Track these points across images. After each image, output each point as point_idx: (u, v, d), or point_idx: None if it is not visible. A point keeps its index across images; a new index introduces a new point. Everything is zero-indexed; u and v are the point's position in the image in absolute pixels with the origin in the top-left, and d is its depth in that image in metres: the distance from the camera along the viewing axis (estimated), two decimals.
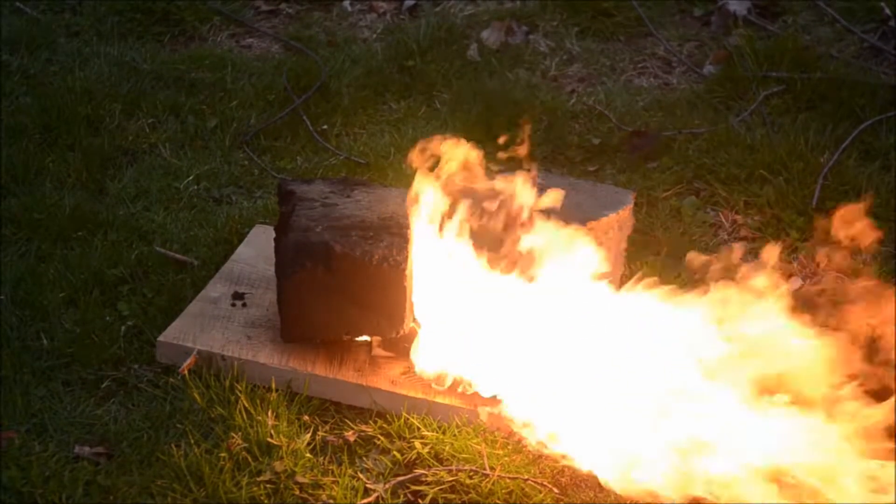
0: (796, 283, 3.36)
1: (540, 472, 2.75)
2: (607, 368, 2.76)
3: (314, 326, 2.93)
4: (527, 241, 2.88)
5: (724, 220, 3.62)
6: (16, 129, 3.97)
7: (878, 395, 2.66)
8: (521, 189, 2.89)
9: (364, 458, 2.80)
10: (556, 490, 2.71)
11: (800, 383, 2.68)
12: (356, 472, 2.75)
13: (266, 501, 2.69)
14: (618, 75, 4.40)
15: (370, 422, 2.88)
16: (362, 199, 3.01)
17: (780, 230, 3.57)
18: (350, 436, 2.85)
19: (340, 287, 2.84)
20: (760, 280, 2.81)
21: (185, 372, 2.97)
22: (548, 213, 2.91)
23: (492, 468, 2.73)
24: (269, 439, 2.81)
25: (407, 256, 2.86)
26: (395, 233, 2.88)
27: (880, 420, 2.59)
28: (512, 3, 4.79)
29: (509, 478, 2.72)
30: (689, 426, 2.64)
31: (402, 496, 2.70)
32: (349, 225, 2.89)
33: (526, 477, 2.73)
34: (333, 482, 2.72)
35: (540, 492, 2.70)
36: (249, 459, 2.76)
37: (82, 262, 3.36)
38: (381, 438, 2.83)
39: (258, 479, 2.72)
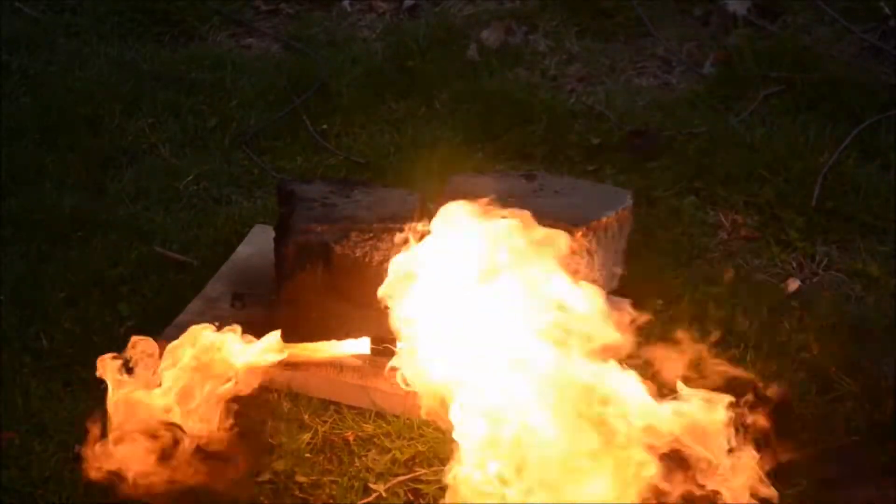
0: (794, 283, 3.37)
1: None
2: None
3: (314, 327, 2.92)
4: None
5: (723, 220, 3.62)
6: (16, 129, 3.97)
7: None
8: None
9: (364, 458, 2.80)
10: None
11: None
12: (356, 472, 2.75)
13: (266, 501, 2.69)
14: (617, 75, 4.40)
15: (370, 422, 2.88)
16: (362, 199, 3.01)
17: (779, 230, 3.57)
18: (350, 436, 2.85)
19: (340, 288, 2.84)
20: None
21: None
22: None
23: None
24: (268, 439, 2.81)
25: None
26: (395, 234, 2.87)
27: None
28: (512, 3, 4.79)
29: None
30: None
31: (402, 496, 2.70)
32: (349, 226, 2.89)
33: None
34: (333, 482, 2.72)
35: None
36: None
37: (82, 262, 3.37)
38: (381, 438, 2.83)
39: (258, 479, 2.73)
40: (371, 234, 2.87)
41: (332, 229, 2.87)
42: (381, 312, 2.84)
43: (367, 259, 2.84)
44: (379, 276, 2.82)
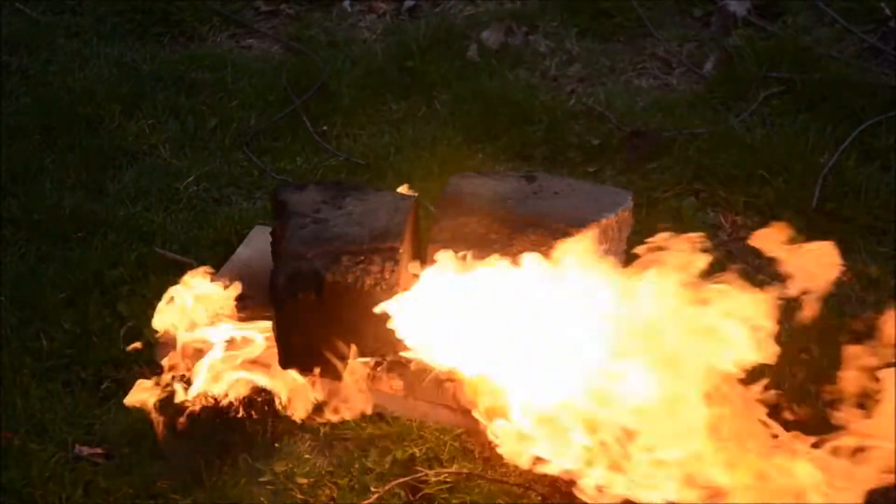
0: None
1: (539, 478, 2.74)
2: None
3: (311, 353, 2.86)
4: None
5: (723, 221, 3.62)
6: (16, 129, 3.98)
7: None
8: None
9: (364, 459, 2.80)
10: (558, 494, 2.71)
11: None
12: (356, 474, 2.75)
13: (266, 502, 2.69)
14: (617, 76, 4.39)
15: (370, 423, 2.88)
16: (354, 210, 2.95)
17: None
18: (350, 437, 2.85)
19: (334, 314, 2.79)
20: None
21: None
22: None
23: (492, 468, 2.73)
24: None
25: (399, 278, 2.81)
26: (387, 255, 2.81)
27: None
28: (512, 3, 4.79)
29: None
30: None
31: (402, 496, 2.71)
32: (340, 248, 2.83)
33: (528, 485, 2.72)
34: (333, 482, 2.72)
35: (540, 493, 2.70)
36: (249, 460, 2.77)
37: (82, 263, 3.37)
38: (382, 439, 2.84)
39: (258, 479, 2.73)
40: (362, 258, 2.82)
41: (322, 255, 2.82)
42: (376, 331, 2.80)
43: (357, 284, 2.79)
44: (371, 298, 2.77)
